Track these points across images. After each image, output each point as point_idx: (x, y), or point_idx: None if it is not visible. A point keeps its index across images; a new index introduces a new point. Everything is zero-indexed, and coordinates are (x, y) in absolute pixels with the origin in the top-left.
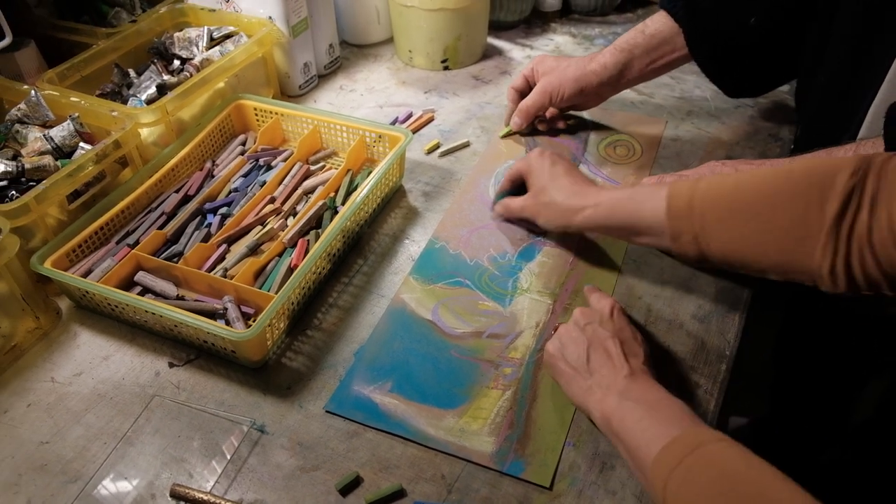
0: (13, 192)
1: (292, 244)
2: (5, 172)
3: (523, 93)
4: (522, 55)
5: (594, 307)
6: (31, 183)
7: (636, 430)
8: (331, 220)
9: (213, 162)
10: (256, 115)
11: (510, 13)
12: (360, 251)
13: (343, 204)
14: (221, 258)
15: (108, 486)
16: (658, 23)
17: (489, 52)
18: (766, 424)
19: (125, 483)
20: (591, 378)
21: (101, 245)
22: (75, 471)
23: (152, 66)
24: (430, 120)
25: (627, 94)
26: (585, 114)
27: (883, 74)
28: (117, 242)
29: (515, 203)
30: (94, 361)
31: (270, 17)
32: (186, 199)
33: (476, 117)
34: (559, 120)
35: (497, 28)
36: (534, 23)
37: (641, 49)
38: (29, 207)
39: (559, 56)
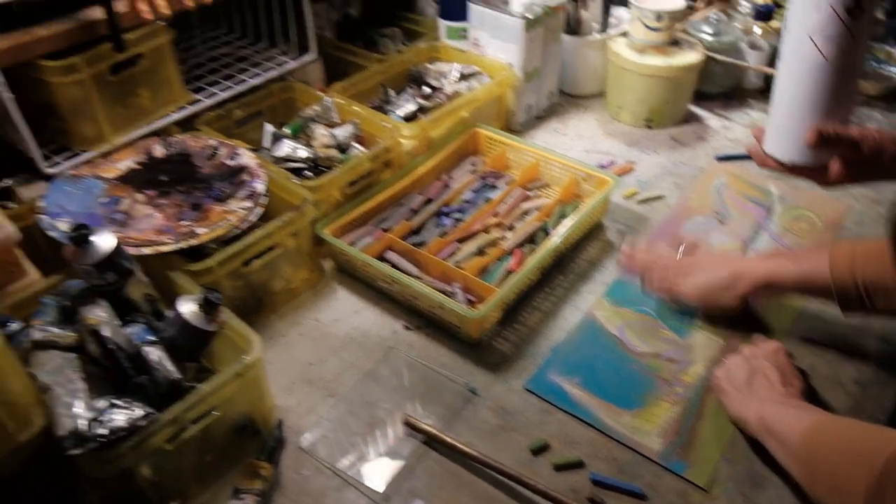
0: (306, 171)
1: (510, 252)
2: (307, 158)
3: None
4: (719, 125)
5: (760, 346)
6: (321, 168)
7: (789, 420)
8: (543, 239)
9: (449, 175)
10: (487, 142)
11: (714, 85)
12: (562, 269)
13: (554, 228)
14: (452, 253)
15: (355, 404)
16: None
17: (689, 118)
18: None
19: (368, 405)
20: (751, 396)
21: (361, 225)
22: (332, 389)
23: (408, 90)
24: (630, 170)
25: None
26: (772, 187)
27: None
28: (374, 226)
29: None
30: (347, 312)
31: (510, 64)
32: (427, 202)
33: (671, 174)
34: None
35: (699, 97)
36: (733, 96)
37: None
38: (324, 187)
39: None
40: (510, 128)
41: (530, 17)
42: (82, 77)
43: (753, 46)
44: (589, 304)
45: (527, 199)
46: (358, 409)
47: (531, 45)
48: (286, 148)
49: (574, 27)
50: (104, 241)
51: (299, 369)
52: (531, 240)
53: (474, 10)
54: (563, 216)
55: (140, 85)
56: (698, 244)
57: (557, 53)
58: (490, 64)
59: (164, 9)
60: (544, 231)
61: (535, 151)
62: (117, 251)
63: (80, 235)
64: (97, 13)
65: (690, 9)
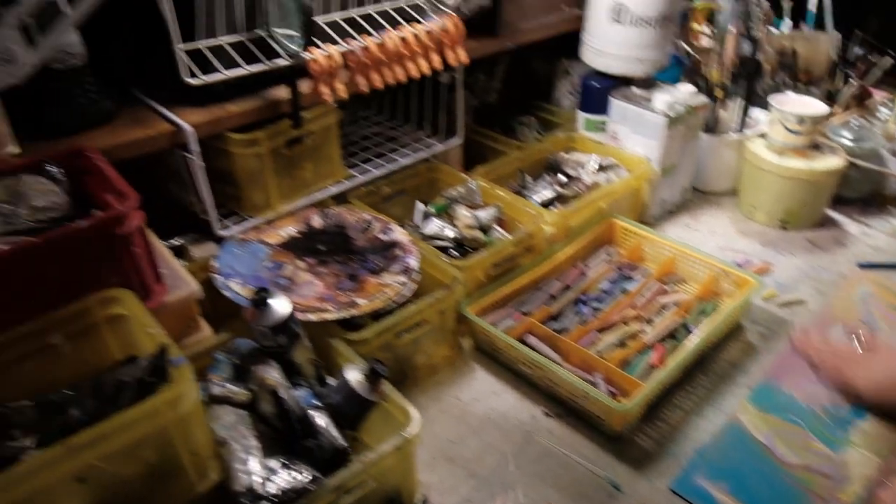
0: (452, 250)
1: (650, 346)
2: (454, 238)
3: None
4: (859, 231)
5: None
6: (465, 248)
7: None
8: (684, 336)
9: (585, 263)
10: (623, 233)
11: (851, 190)
12: (702, 368)
13: (695, 325)
14: (592, 342)
15: (496, 487)
16: None
17: (825, 221)
18: None
19: (508, 489)
20: None
21: (501, 307)
22: (473, 469)
23: (546, 177)
24: (767, 270)
25: None
26: None
27: None
28: (514, 308)
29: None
30: (486, 393)
31: (648, 158)
32: (566, 288)
33: (810, 278)
34: None
35: (835, 201)
36: (871, 202)
37: None
38: (471, 267)
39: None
40: (643, 220)
41: (672, 115)
42: (261, 150)
43: None
44: (731, 406)
45: (664, 292)
46: (499, 492)
47: (671, 142)
48: (435, 227)
49: (711, 125)
50: (281, 305)
51: (440, 446)
52: (672, 335)
53: (616, 105)
54: (702, 313)
55: (306, 159)
56: (876, 335)
57: (694, 150)
58: (628, 157)
59: (342, 92)
60: (685, 328)
61: (673, 245)
62: (291, 316)
63: (261, 298)
64: (282, 93)
65: (830, 113)
